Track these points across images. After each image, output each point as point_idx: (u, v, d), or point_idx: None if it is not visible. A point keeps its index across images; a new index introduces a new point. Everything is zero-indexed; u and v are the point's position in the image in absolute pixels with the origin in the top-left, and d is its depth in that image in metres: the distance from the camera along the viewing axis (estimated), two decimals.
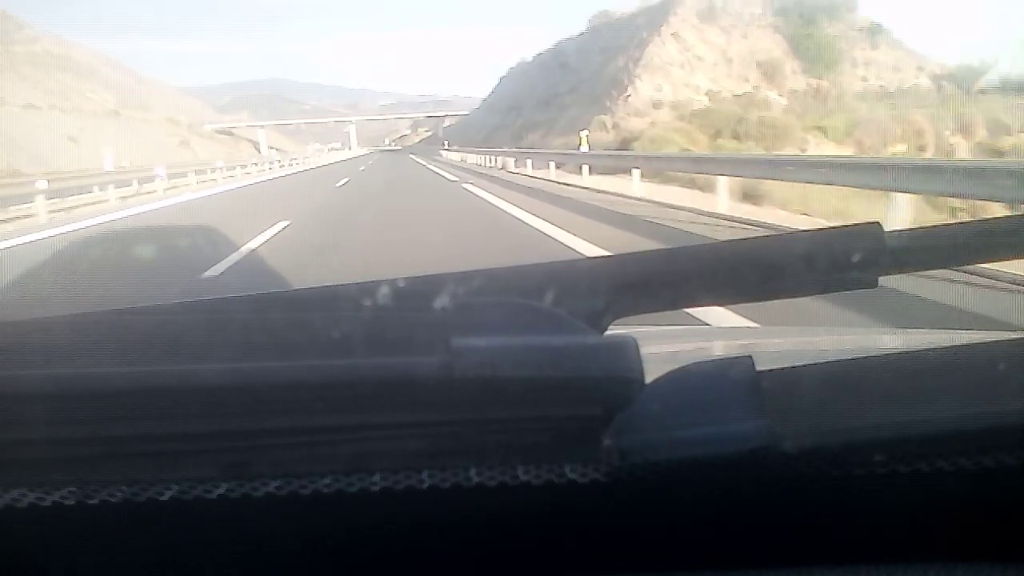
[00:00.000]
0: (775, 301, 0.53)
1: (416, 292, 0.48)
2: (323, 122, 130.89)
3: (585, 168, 17.56)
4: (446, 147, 49.34)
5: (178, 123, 54.34)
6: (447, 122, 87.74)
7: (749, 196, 11.45)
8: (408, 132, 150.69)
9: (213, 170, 24.41)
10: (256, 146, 66.84)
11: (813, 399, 0.48)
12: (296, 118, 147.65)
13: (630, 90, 30.83)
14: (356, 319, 0.48)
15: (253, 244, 7.55)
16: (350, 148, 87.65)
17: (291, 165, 37.43)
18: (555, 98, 39.91)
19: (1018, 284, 4.23)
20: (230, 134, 69.27)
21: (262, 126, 78.73)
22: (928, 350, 0.56)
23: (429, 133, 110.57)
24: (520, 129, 39.65)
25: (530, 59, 60.50)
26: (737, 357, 0.46)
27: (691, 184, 13.76)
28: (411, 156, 53.03)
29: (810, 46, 33.38)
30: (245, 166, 27.27)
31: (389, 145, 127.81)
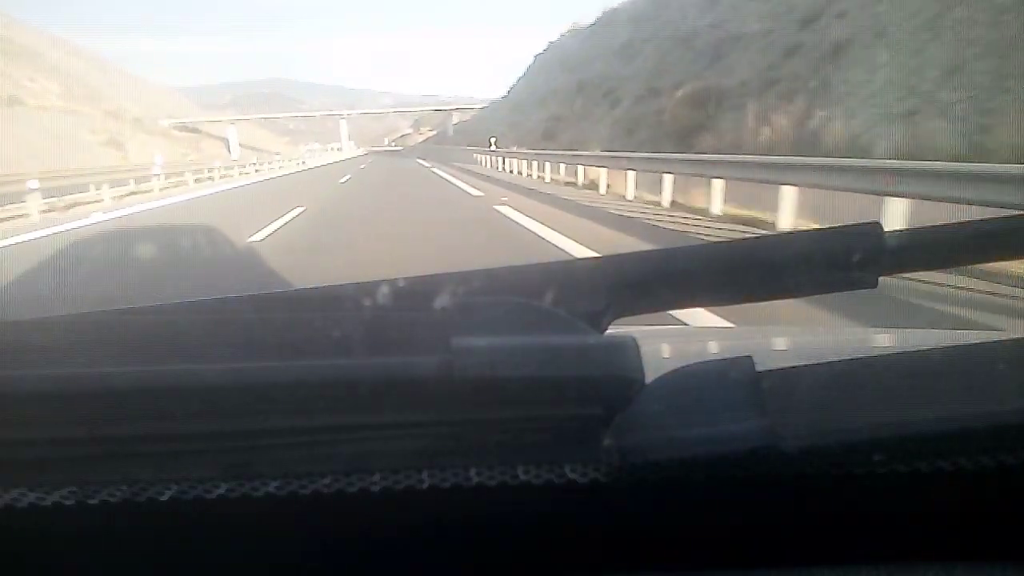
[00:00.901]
0: (775, 301, 0.53)
1: (416, 292, 0.48)
2: (307, 116, 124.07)
3: None
4: (493, 147, 29.04)
5: (119, 118, 42.84)
6: (455, 118, 76.17)
7: None
8: (410, 131, 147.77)
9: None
10: (227, 145, 55.77)
11: (813, 399, 0.48)
12: (288, 112, 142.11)
13: None
14: (356, 319, 0.48)
15: None
16: (340, 148, 74.47)
17: (226, 179, 24.06)
18: (740, 41, 19.79)
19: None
20: (195, 131, 57.22)
21: (232, 122, 64.99)
22: (928, 350, 0.55)
23: (434, 132, 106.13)
24: (701, 121, 18.34)
25: (590, 22, 41.03)
26: (737, 357, 0.46)
27: None
28: (419, 161, 36.88)
29: None
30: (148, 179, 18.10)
31: (389, 145, 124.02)
